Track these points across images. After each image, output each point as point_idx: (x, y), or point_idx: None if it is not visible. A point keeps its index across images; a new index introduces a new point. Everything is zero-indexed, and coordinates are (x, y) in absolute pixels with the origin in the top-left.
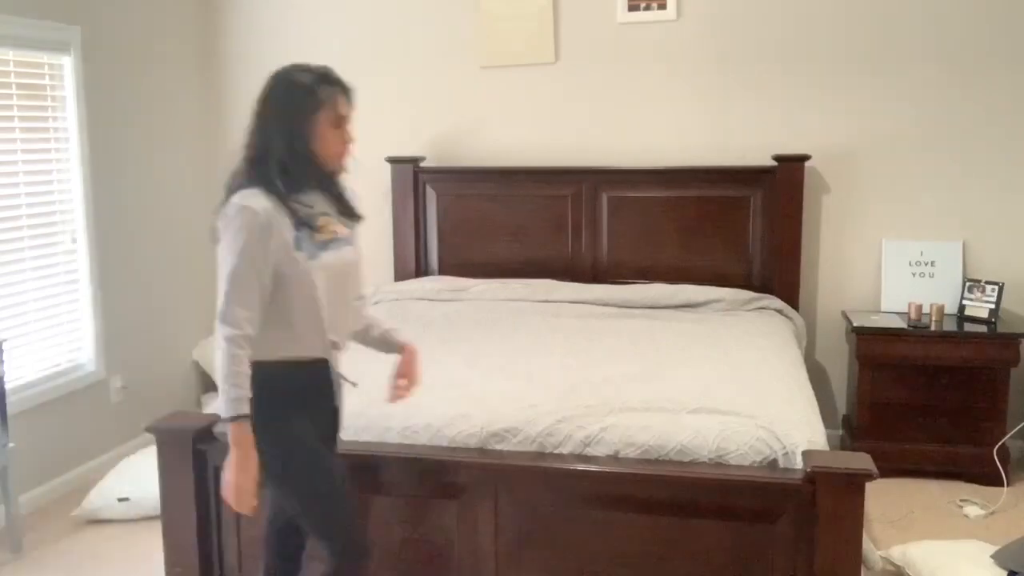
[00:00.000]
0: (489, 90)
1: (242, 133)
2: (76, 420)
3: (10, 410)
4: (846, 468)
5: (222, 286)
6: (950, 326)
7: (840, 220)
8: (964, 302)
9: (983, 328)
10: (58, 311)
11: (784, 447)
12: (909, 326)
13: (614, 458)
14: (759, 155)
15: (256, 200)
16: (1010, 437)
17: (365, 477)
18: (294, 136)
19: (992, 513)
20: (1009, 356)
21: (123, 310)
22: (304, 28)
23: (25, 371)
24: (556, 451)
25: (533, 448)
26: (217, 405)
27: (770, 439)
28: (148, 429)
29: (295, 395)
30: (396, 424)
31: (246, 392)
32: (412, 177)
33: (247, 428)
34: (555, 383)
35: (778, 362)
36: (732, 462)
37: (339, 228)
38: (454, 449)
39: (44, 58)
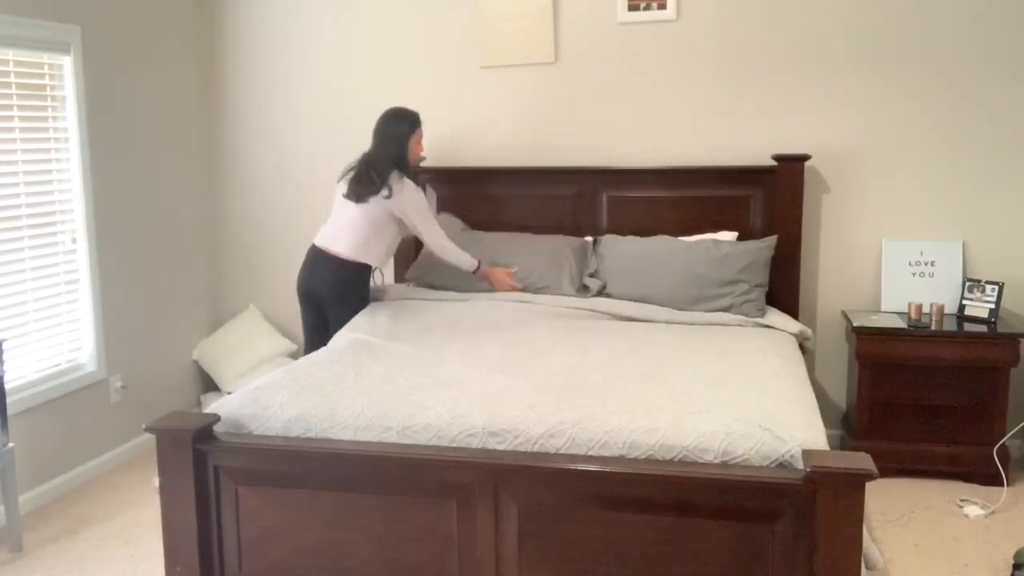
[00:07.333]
0: (489, 90)
1: (241, 132)
2: (76, 420)
3: (10, 410)
4: (846, 468)
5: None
6: (950, 326)
7: (840, 220)
8: (964, 302)
9: (983, 328)
10: (58, 311)
11: (789, 448)
12: (909, 326)
13: (619, 460)
14: (759, 155)
15: None
16: (1010, 437)
17: (365, 477)
18: None
19: (992, 513)
20: (1009, 356)
21: (123, 310)
22: (304, 28)
23: (25, 371)
24: (559, 453)
25: (535, 449)
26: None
27: (775, 441)
28: (148, 429)
29: None
30: (396, 424)
31: None
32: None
33: None
34: (555, 384)
35: (777, 361)
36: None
37: None
38: (454, 449)
39: (44, 58)
